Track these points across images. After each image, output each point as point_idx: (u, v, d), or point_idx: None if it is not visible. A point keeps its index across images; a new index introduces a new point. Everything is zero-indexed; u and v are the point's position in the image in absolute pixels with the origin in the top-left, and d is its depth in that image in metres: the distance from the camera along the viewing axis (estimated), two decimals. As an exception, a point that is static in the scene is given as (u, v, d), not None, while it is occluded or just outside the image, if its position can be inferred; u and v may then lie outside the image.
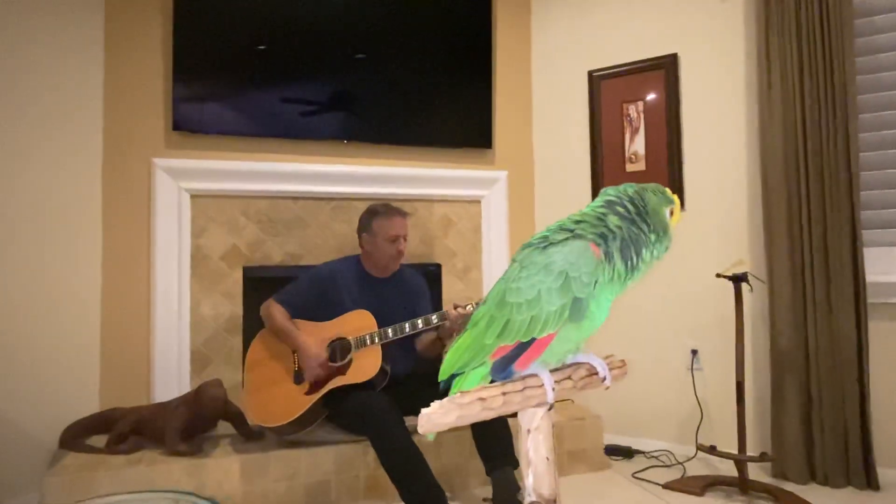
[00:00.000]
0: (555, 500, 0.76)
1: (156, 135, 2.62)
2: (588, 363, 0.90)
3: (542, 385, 0.79)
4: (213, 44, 2.64)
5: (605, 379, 0.90)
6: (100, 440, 2.26)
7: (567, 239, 0.90)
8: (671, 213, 0.95)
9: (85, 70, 2.50)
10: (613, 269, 0.87)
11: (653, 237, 0.91)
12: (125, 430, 2.21)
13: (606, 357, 0.91)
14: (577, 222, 0.92)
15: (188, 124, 2.61)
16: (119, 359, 2.52)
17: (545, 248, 0.91)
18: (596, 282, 0.86)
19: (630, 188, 0.94)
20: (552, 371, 0.86)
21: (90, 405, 2.44)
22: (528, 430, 0.79)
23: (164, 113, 2.61)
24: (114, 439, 2.19)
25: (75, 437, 2.26)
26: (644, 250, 0.89)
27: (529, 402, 0.78)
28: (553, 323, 0.86)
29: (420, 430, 0.74)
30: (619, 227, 0.89)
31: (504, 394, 0.75)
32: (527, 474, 0.78)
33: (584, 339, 0.91)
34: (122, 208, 2.57)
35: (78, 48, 2.48)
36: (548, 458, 0.77)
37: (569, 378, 0.85)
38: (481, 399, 0.73)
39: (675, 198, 0.97)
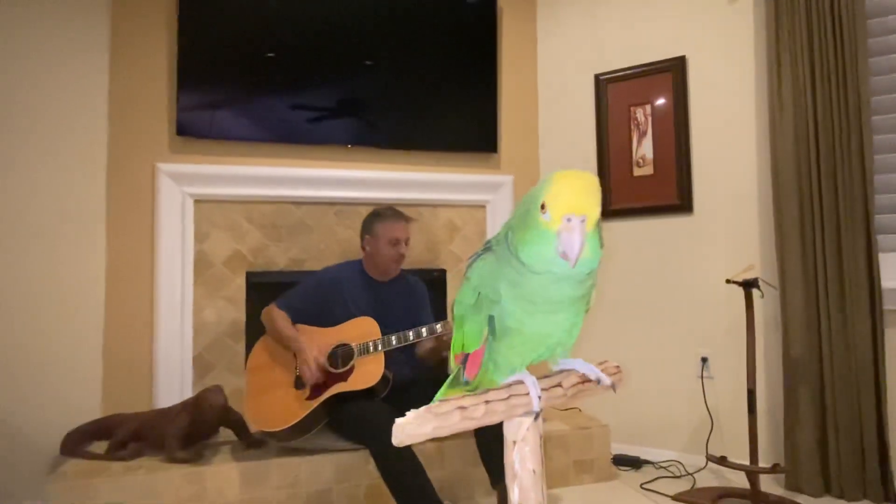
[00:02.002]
0: (541, 516, 0.72)
1: (160, 139, 2.62)
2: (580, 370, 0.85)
3: (528, 393, 0.75)
4: (218, 49, 2.64)
5: (599, 381, 0.83)
6: (101, 446, 2.24)
7: (484, 251, 0.84)
8: (542, 209, 0.69)
9: (90, 75, 2.51)
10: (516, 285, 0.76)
11: (512, 240, 0.75)
12: (126, 436, 2.19)
13: (600, 363, 0.86)
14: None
15: (192, 129, 2.61)
16: (122, 364, 2.52)
17: (474, 260, 0.85)
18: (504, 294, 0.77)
19: None
20: (542, 377, 0.81)
21: (92, 411, 2.43)
22: (514, 442, 0.74)
23: (169, 118, 2.62)
24: (114, 445, 2.18)
25: (76, 443, 2.24)
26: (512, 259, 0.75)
27: (515, 411, 0.73)
28: (474, 341, 0.80)
29: (394, 441, 0.71)
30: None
31: (487, 402, 0.71)
32: (511, 488, 0.74)
33: (535, 351, 0.82)
34: (126, 213, 2.57)
35: (83, 53, 2.49)
36: (534, 471, 0.73)
37: (559, 385, 0.80)
38: (461, 408, 0.69)
39: (559, 183, 0.70)
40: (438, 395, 0.90)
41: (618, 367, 0.87)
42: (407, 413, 0.70)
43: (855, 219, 2.26)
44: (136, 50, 2.60)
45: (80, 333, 2.44)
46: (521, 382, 0.76)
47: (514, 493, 0.74)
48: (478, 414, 0.69)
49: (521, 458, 0.73)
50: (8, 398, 2.17)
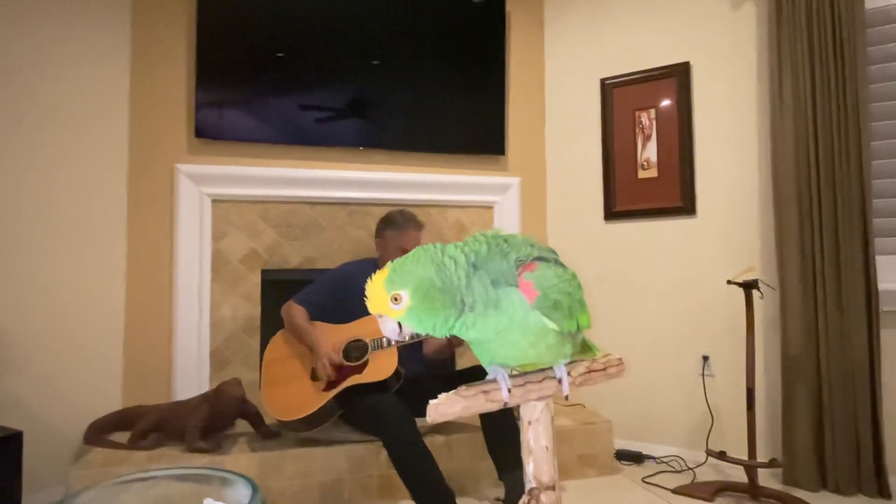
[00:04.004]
0: (553, 487, 0.81)
1: (179, 141, 2.71)
2: (558, 371, 0.92)
3: (542, 381, 0.84)
4: (235, 53, 2.73)
5: (560, 380, 0.91)
6: (122, 437, 2.33)
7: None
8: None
9: (112, 78, 2.60)
10: None
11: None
12: (147, 426, 2.28)
13: (604, 355, 0.94)
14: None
15: (210, 131, 2.70)
16: (142, 358, 2.61)
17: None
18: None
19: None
20: (520, 374, 0.90)
21: (113, 403, 2.53)
22: (529, 422, 0.83)
23: (188, 120, 2.71)
24: (136, 436, 2.27)
25: (99, 433, 2.34)
26: None
27: (530, 395, 0.82)
28: None
29: (428, 419, 0.80)
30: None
31: (510, 389, 0.80)
32: (527, 462, 0.83)
33: (500, 354, 0.90)
34: (147, 212, 2.66)
35: (105, 57, 2.58)
36: (547, 448, 0.82)
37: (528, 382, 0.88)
38: (484, 392, 0.78)
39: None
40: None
41: (620, 359, 0.95)
42: (439, 395, 0.80)
43: (853, 222, 2.32)
44: (155, 54, 2.69)
45: (102, 328, 2.53)
46: (535, 372, 0.84)
47: (529, 467, 0.82)
48: (499, 397, 0.78)
49: (536, 437, 0.82)
50: (34, 390, 2.26)
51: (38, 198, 2.33)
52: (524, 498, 0.81)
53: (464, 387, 0.80)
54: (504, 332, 0.83)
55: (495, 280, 0.83)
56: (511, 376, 0.84)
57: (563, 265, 0.90)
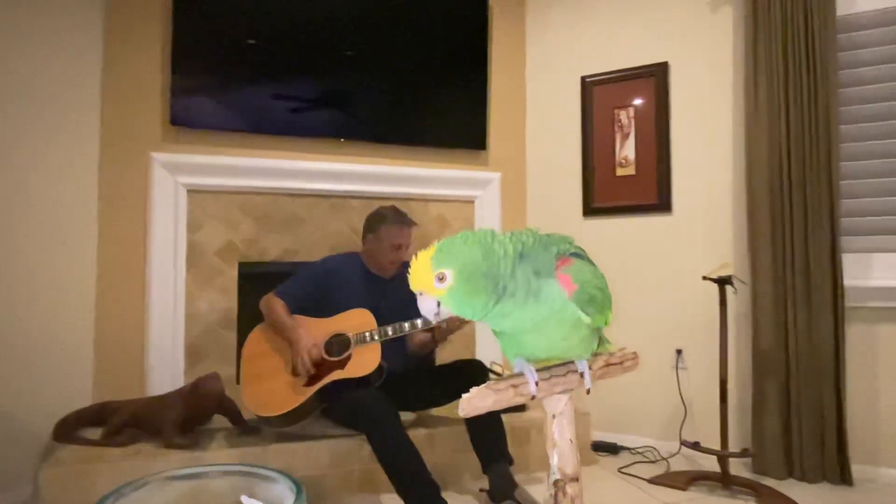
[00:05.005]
0: (577, 478, 0.82)
1: (153, 129, 2.62)
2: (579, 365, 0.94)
3: (566, 374, 0.85)
4: (212, 39, 2.65)
5: (583, 375, 0.93)
6: (94, 433, 2.26)
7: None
8: None
9: (83, 64, 2.49)
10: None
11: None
12: (121, 422, 2.21)
13: (620, 349, 0.96)
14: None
15: (186, 119, 2.62)
16: (113, 352, 2.52)
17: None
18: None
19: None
20: (544, 369, 0.92)
21: (83, 398, 2.44)
22: (553, 416, 0.85)
23: (162, 107, 2.62)
24: (110, 432, 2.20)
25: (69, 429, 2.25)
26: None
27: (555, 388, 0.83)
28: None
29: (461, 413, 0.80)
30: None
31: (536, 383, 0.81)
32: (552, 455, 0.84)
33: (526, 348, 0.91)
34: (119, 202, 2.56)
35: (77, 42, 2.47)
36: (571, 440, 0.83)
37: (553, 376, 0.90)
38: (514, 386, 0.79)
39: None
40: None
41: (635, 353, 0.97)
42: (471, 389, 0.80)
43: (821, 221, 2.42)
44: (130, 39, 2.59)
45: (72, 321, 2.44)
46: (558, 366, 0.85)
47: (553, 459, 0.84)
48: (527, 391, 0.79)
49: (560, 429, 0.83)
50: (0, 385, 2.17)
51: (5, 188, 2.22)
52: (550, 489, 0.82)
53: (493, 380, 0.81)
54: (542, 323, 0.84)
55: (537, 271, 0.84)
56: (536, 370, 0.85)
57: (593, 263, 0.92)
